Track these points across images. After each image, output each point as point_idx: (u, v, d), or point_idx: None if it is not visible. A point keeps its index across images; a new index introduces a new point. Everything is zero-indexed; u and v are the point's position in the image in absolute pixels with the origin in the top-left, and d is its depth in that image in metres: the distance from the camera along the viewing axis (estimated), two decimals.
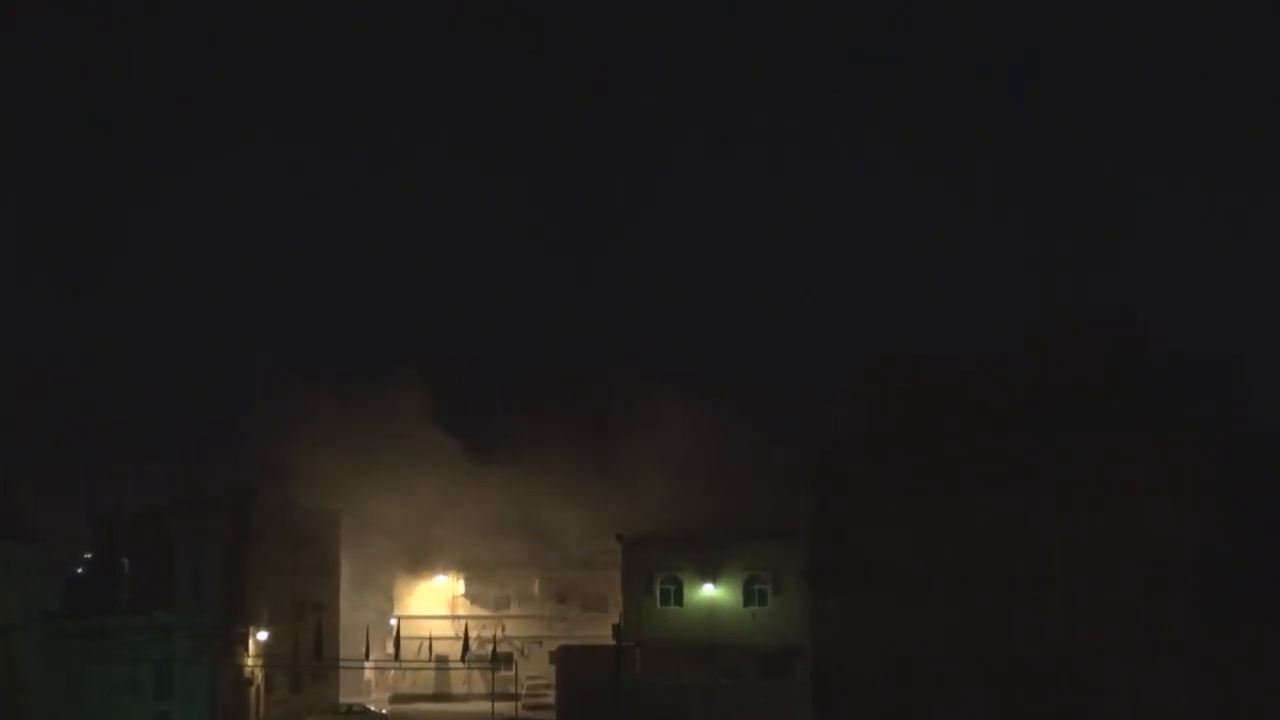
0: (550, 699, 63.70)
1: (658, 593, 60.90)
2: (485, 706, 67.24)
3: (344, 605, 74.29)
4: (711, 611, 60.62)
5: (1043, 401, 45.96)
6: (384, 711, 70.47)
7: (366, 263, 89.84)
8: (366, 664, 70.88)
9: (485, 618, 75.52)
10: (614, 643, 51.47)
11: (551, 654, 65.08)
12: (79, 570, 61.54)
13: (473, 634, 67.85)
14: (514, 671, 66.65)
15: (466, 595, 77.53)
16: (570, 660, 59.99)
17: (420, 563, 76.45)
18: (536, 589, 77.14)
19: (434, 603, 77.40)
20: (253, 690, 64.71)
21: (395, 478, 72.18)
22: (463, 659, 68.79)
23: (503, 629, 73.57)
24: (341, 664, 70.25)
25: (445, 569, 77.33)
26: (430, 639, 73.59)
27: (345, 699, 71.77)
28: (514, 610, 77.00)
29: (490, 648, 66.59)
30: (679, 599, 61.00)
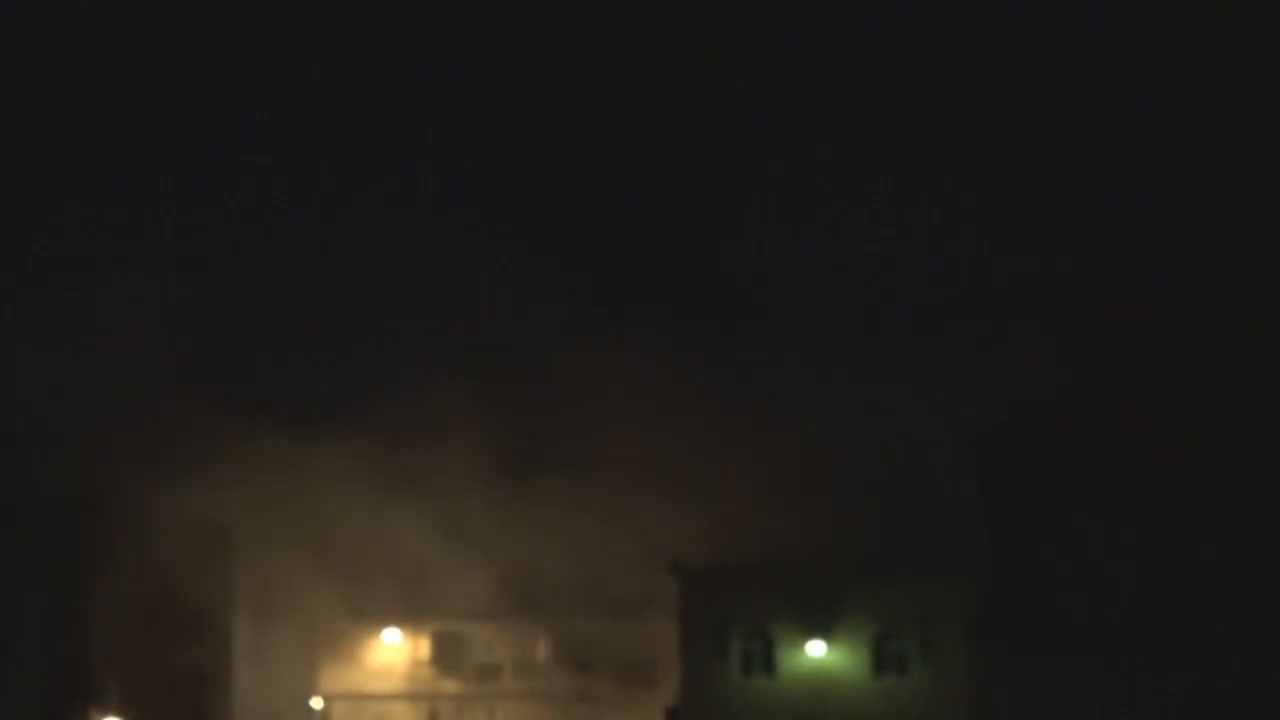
0: None
1: (736, 655, 60.13)
2: None
3: (241, 676, 73.62)
4: (821, 684, 59.53)
5: None
6: None
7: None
8: None
9: (464, 698, 75.30)
10: None
11: None
12: None
13: None
14: None
15: (434, 662, 76.28)
16: None
17: (357, 610, 75.65)
18: (541, 651, 75.92)
19: (383, 673, 76.38)
20: None
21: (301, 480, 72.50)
22: None
23: (491, 715, 73.68)
24: None
25: (398, 620, 75.94)
26: None
27: None
28: (508, 683, 75.96)
29: None
30: (769, 665, 59.97)
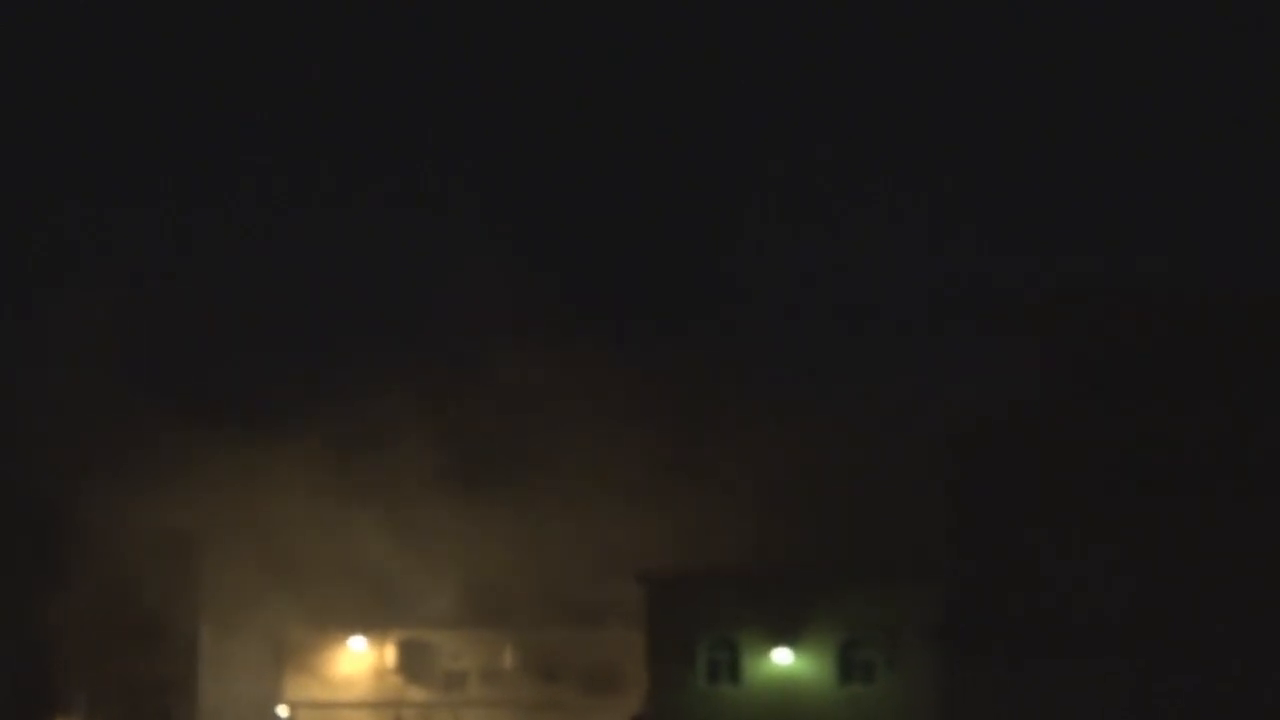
0: None
1: (703, 664, 60.28)
2: None
3: (206, 685, 73.02)
4: (788, 693, 59.52)
5: None
6: None
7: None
8: None
9: (430, 706, 74.79)
10: None
11: None
12: None
13: None
14: None
15: (400, 670, 75.63)
16: None
17: (323, 619, 74.87)
18: (507, 659, 75.37)
19: (349, 682, 75.73)
20: None
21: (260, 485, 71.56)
22: None
23: None
24: None
25: (364, 629, 75.31)
26: None
27: None
28: (475, 692, 75.42)
29: None
30: (735, 674, 60.05)
